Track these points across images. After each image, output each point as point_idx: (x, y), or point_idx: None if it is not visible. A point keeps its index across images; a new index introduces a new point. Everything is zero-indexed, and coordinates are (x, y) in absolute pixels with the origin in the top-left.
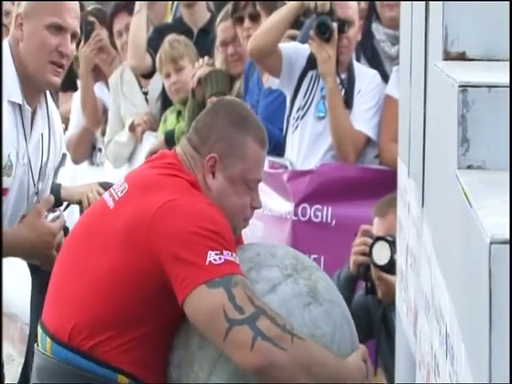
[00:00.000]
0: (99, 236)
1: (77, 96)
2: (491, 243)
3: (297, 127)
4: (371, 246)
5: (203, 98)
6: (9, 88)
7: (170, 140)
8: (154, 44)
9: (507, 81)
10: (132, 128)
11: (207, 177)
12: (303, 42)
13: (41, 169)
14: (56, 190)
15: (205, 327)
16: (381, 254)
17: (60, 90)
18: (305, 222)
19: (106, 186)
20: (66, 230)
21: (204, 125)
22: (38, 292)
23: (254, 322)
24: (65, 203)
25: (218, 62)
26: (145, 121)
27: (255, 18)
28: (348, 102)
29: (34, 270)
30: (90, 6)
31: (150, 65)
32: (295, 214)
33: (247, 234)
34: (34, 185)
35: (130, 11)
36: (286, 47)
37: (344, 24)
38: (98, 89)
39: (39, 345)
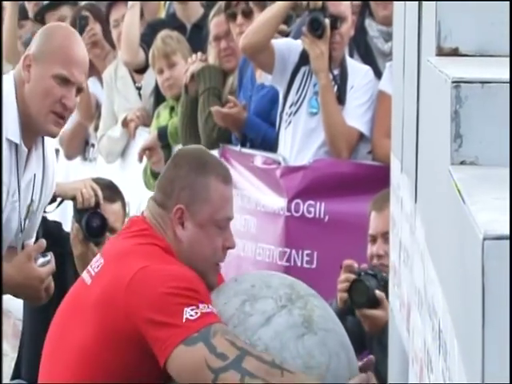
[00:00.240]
0: (77, 312)
1: None
2: (484, 239)
3: (290, 123)
4: (349, 288)
5: (196, 93)
6: (8, 126)
7: (162, 136)
8: (147, 39)
9: (500, 76)
10: (125, 123)
11: (177, 229)
12: (296, 38)
13: (29, 207)
14: None
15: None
16: (361, 293)
17: None
18: (298, 218)
19: (100, 181)
20: (58, 224)
21: (166, 180)
22: None
23: (240, 363)
24: (58, 199)
25: (211, 58)
26: (138, 116)
27: (248, 15)
28: (341, 98)
29: None
30: (84, 1)
31: (143, 60)
32: (288, 209)
33: (240, 230)
34: (21, 223)
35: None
36: (279, 43)
37: (336, 20)
38: (91, 84)
39: None
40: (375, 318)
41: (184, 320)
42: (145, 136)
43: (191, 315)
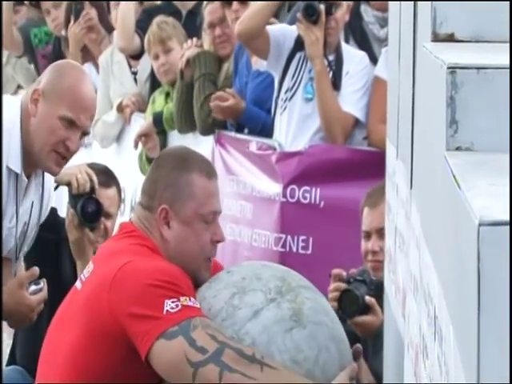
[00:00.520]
0: (67, 316)
1: None
2: (480, 225)
3: (285, 109)
4: (339, 299)
5: (192, 79)
6: (11, 155)
7: (157, 121)
8: (142, 25)
9: (496, 62)
10: (120, 108)
11: (163, 230)
12: (291, 24)
13: (26, 231)
14: None
15: (172, 378)
16: (351, 303)
17: None
18: (293, 204)
19: (95, 166)
20: (53, 209)
21: (150, 182)
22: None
23: (219, 357)
24: (54, 185)
25: (206, 44)
26: (133, 102)
27: (243, 1)
28: (336, 84)
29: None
30: None
31: (138, 46)
32: (284, 195)
33: (236, 216)
34: (17, 244)
35: None
36: (274, 29)
37: (331, 6)
38: (87, 69)
39: None
40: (367, 324)
41: (164, 312)
42: (140, 122)
43: (172, 307)
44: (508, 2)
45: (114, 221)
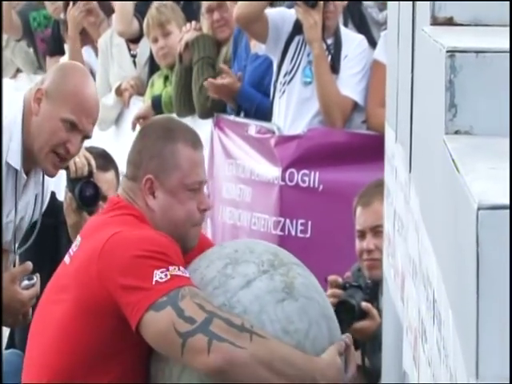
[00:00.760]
0: (57, 290)
1: (64, 60)
2: (479, 209)
3: (284, 92)
4: (335, 310)
5: (190, 62)
6: (11, 151)
7: (156, 105)
8: (141, 9)
9: (495, 46)
10: (119, 92)
11: (148, 199)
12: (290, 7)
13: (21, 226)
14: None
15: (161, 349)
16: (347, 313)
17: (47, 54)
18: (292, 187)
19: (93, 150)
20: (51, 193)
21: (135, 152)
22: (24, 255)
23: (207, 326)
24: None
25: (205, 28)
26: (132, 85)
27: None
28: (335, 67)
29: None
30: None
31: (137, 29)
32: (282, 179)
33: (236, 200)
34: (14, 240)
35: None
36: (272, 13)
37: None
38: (85, 53)
39: None
40: (365, 329)
41: (154, 282)
42: (139, 105)
43: (161, 277)
44: None
45: None
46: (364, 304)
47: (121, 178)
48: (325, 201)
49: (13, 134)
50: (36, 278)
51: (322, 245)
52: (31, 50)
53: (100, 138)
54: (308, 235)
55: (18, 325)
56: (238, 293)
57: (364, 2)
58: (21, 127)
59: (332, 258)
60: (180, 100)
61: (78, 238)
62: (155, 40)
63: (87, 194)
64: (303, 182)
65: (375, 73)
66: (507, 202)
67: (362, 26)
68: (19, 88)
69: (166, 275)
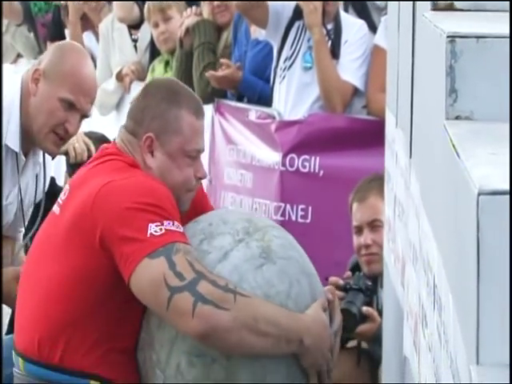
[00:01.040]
0: (47, 243)
1: None
2: (479, 194)
3: (284, 77)
4: None
5: (191, 47)
6: (9, 133)
7: None
8: None
9: (496, 31)
10: (119, 77)
11: (146, 157)
12: None
13: (22, 209)
14: None
15: (149, 300)
16: (348, 321)
17: (48, 39)
18: (293, 173)
19: (92, 135)
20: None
21: (137, 108)
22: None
23: (194, 286)
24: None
25: (206, 13)
26: (132, 70)
27: None
28: (335, 53)
29: None
30: None
31: (137, 15)
32: (283, 164)
33: (237, 185)
34: (16, 223)
35: None
36: None
37: None
38: (86, 38)
39: (15, 365)
40: (366, 332)
41: (148, 235)
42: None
43: (155, 231)
44: None
45: None
46: (365, 309)
47: (119, 129)
48: (325, 186)
49: (11, 116)
50: None
51: (323, 230)
52: (32, 34)
53: (101, 123)
54: (308, 220)
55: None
56: (217, 266)
57: None
58: (19, 109)
59: (332, 243)
60: None
61: (67, 187)
62: (156, 25)
63: None
64: (304, 167)
65: (375, 58)
66: (507, 187)
67: (363, 11)
68: (19, 73)
69: (160, 229)
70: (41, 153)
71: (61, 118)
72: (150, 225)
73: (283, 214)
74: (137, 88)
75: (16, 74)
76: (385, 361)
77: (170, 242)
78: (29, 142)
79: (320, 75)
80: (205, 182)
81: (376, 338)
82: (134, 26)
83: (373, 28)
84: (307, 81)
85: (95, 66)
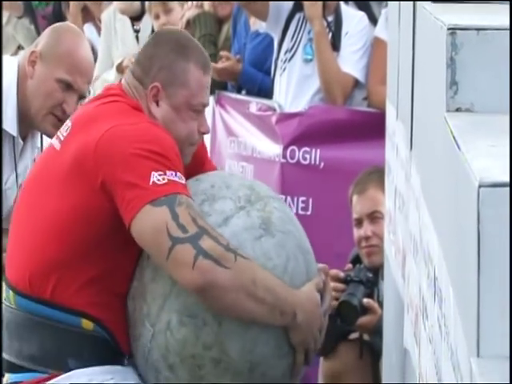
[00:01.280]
0: (47, 179)
1: None
2: (480, 186)
3: (284, 70)
4: (337, 310)
5: None
6: (6, 117)
7: None
8: None
9: (496, 23)
10: (120, 69)
11: (151, 106)
12: None
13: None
14: None
15: (149, 247)
16: (348, 313)
17: None
18: (293, 165)
19: None
20: None
21: (145, 56)
22: None
23: (197, 240)
24: None
25: (207, 5)
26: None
27: None
28: (335, 45)
29: None
30: None
31: (138, 8)
32: (284, 156)
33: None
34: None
35: None
36: None
37: None
38: (87, 30)
39: (5, 299)
40: (367, 324)
41: (151, 183)
42: None
43: (158, 180)
44: None
45: None
46: (366, 301)
47: (126, 72)
48: (326, 178)
49: (8, 100)
50: None
51: (323, 222)
52: (33, 27)
53: None
54: (309, 212)
55: None
56: (216, 230)
57: None
58: (16, 92)
59: (333, 235)
60: None
61: (69, 123)
62: (157, 17)
63: None
64: (304, 159)
65: (376, 50)
66: (507, 179)
67: (363, 3)
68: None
69: (163, 178)
70: (39, 136)
71: (59, 99)
72: (152, 173)
73: None
74: None
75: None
76: (385, 353)
77: (173, 193)
78: (27, 125)
79: (320, 67)
80: None
81: (377, 330)
82: (136, 18)
83: (373, 20)
84: (308, 73)
85: (95, 58)
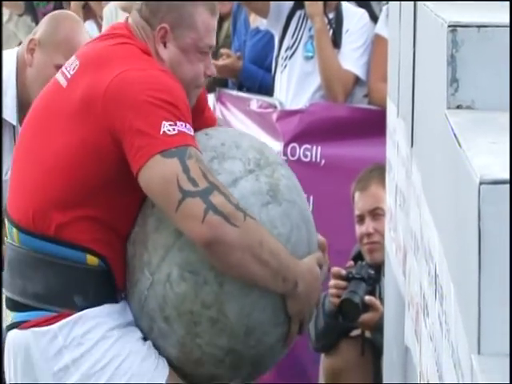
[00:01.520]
0: (54, 116)
1: None
2: (480, 183)
3: (285, 67)
4: (339, 308)
5: None
6: (6, 107)
7: None
8: None
9: (497, 20)
10: None
11: (158, 47)
12: None
13: None
14: None
15: (158, 197)
16: (350, 310)
17: None
18: (294, 162)
19: None
20: None
21: None
22: None
23: (207, 195)
24: None
25: None
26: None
27: None
28: (336, 42)
29: None
30: None
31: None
32: (284, 153)
33: None
34: None
35: None
36: None
37: None
38: (89, 27)
39: (8, 237)
40: (368, 321)
41: (161, 133)
42: None
43: (169, 130)
44: None
45: None
46: (368, 298)
47: (132, 12)
48: (327, 175)
49: (7, 90)
50: None
51: (324, 219)
52: (34, 24)
53: None
54: (310, 209)
55: None
56: (227, 188)
57: None
58: (15, 81)
59: (333, 232)
60: None
61: (76, 61)
62: None
63: None
64: (305, 156)
65: (377, 47)
66: (508, 176)
67: (362, 0)
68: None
69: (174, 129)
70: None
71: None
72: (163, 122)
73: None
74: None
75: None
76: (386, 350)
77: (184, 145)
78: (27, 114)
79: (321, 64)
80: None
81: (378, 327)
82: None
83: (373, 17)
84: (309, 70)
85: None
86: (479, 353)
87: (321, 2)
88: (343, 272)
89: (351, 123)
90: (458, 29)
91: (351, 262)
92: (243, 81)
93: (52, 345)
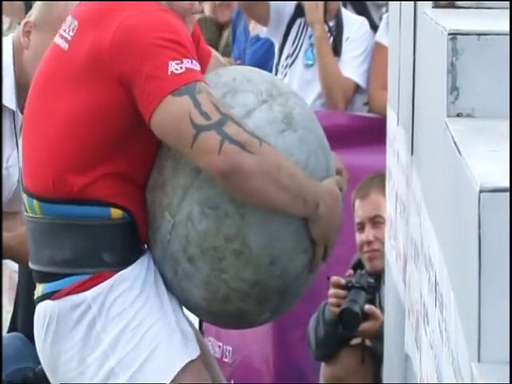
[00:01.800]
0: (60, 79)
1: None
2: (481, 191)
3: (285, 75)
4: (339, 318)
5: None
6: (5, 92)
7: None
8: None
9: (497, 28)
10: None
11: None
12: None
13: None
14: None
15: (172, 137)
16: (350, 320)
17: None
18: None
19: None
20: None
21: None
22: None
23: (221, 127)
24: None
25: (207, 11)
26: None
27: None
28: (336, 50)
29: None
30: None
31: None
32: None
33: None
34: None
35: None
36: None
37: None
38: None
39: (28, 211)
40: (368, 330)
41: (169, 73)
42: None
43: (176, 69)
44: None
45: None
46: (367, 307)
47: None
48: None
49: (5, 75)
50: None
51: None
52: None
53: None
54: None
55: None
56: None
57: None
58: (12, 65)
59: None
60: None
61: (74, 22)
62: None
63: None
64: None
65: (377, 55)
66: (508, 184)
67: (361, 8)
68: None
69: (181, 67)
70: None
71: None
72: (170, 62)
73: None
74: None
75: None
76: (386, 358)
77: (192, 81)
78: (26, 98)
79: (322, 72)
80: None
81: (378, 336)
82: None
83: (372, 25)
84: (309, 78)
85: None
86: (479, 360)
87: (321, 10)
88: (343, 281)
89: (351, 131)
90: (458, 37)
91: (351, 271)
92: None
93: (85, 316)
